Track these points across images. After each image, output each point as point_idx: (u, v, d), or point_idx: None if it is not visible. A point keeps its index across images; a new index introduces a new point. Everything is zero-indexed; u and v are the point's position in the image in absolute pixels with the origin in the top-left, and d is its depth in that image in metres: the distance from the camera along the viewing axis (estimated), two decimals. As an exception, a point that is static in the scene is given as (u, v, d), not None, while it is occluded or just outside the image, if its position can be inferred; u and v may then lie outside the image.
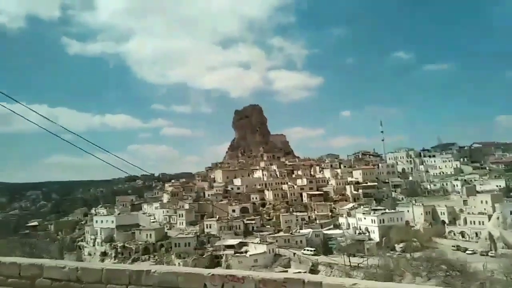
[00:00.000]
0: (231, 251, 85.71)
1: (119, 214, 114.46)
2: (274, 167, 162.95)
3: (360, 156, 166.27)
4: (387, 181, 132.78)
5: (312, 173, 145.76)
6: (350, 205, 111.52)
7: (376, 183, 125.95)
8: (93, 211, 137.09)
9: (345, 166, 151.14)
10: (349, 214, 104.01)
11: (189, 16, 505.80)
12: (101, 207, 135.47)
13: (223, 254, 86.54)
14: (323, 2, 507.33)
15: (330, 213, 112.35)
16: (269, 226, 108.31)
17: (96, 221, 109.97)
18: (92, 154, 12.54)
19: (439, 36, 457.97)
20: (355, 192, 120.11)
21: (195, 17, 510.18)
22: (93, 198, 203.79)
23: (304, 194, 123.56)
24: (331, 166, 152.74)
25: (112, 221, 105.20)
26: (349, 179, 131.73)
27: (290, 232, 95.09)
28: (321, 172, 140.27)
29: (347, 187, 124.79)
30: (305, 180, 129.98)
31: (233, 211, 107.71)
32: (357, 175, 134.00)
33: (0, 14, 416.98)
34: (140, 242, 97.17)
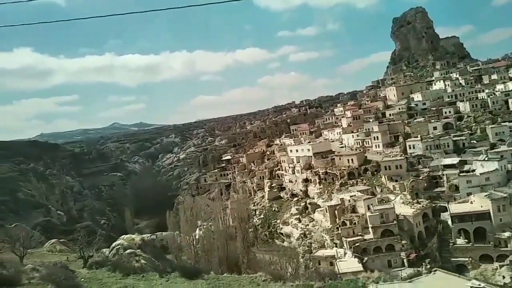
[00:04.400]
0: (453, 171, 79.97)
1: (308, 142, 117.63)
2: (455, 75, 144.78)
3: None
4: None
5: (511, 75, 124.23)
6: None
7: None
8: (277, 141, 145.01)
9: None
10: None
11: None
12: (285, 137, 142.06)
13: (442, 174, 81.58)
14: None
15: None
16: (474, 141, 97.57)
17: (291, 150, 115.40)
18: None
19: None
20: None
21: None
22: (259, 130, 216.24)
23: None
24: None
25: (309, 149, 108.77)
26: None
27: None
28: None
29: None
30: (510, 84, 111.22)
31: (435, 128, 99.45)
32: None
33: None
34: (343, 168, 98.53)
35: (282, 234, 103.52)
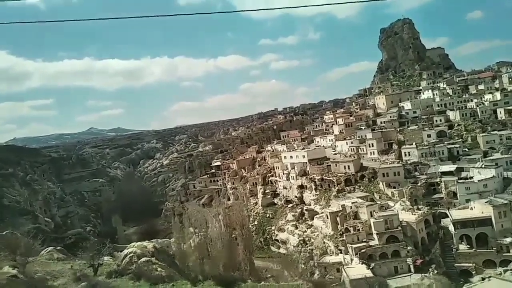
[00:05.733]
0: (450, 178, 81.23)
1: (302, 149, 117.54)
2: (442, 84, 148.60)
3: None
4: None
5: (497, 85, 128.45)
6: None
7: None
8: (269, 147, 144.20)
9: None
10: None
11: None
12: (276, 144, 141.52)
13: (440, 181, 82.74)
14: None
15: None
16: (466, 149, 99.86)
17: (285, 157, 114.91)
18: None
19: None
20: None
21: None
22: (246, 136, 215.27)
23: (500, 111, 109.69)
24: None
25: (304, 156, 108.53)
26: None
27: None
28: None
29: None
30: (497, 94, 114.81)
31: (429, 136, 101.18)
32: None
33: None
34: (339, 174, 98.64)
35: (277, 240, 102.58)
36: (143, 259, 42.98)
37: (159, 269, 41.13)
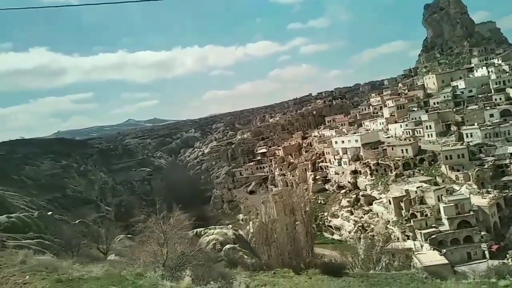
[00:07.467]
0: (521, 159, 76.92)
1: (354, 133, 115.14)
2: (497, 61, 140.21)
3: None
4: None
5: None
6: None
7: None
8: (315, 133, 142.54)
9: None
10: None
11: None
12: (323, 129, 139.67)
13: (510, 163, 78.61)
14: None
15: None
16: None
17: (336, 142, 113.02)
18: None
19: None
20: None
21: None
22: (287, 122, 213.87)
23: None
24: None
25: (356, 140, 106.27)
26: None
27: None
28: None
29: None
30: None
31: (491, 115, 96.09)
32: None
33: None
34: (396, 158, 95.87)
35: (331, 227, 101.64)
36: (227, 246, 43.53)
37: (245, 256, 41.42)
